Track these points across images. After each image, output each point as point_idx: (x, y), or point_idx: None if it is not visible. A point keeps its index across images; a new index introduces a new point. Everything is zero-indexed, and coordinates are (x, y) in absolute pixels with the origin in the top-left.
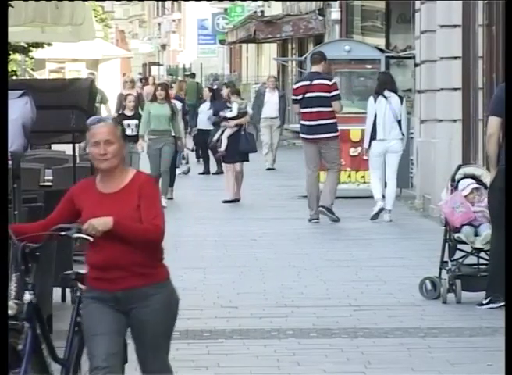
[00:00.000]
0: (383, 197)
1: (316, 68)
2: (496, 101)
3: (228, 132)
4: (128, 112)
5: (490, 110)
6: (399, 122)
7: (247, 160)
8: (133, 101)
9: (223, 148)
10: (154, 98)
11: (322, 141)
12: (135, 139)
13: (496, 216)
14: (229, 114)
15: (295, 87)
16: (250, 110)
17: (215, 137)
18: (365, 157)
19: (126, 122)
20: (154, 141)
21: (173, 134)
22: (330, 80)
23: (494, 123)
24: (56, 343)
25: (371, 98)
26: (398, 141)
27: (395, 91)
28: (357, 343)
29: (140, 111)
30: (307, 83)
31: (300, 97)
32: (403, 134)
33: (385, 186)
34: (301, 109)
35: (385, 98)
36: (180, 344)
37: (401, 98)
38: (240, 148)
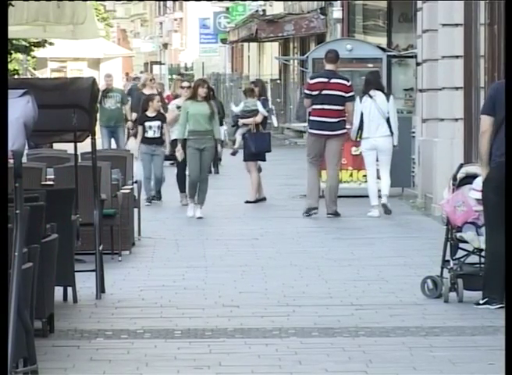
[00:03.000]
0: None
1: (331, 66)
2: (488, 100)
3: (240, 130)
4: (150, 113)
5: (482, 109)
6: (388, 119)
7: (263, 160)
8: (159, 101)
9: (237, 145)
10: (192, 96)
11: (331, 137)
12: (157, 141)
13: (492, 216)
14: (234, 108)
15: (311, 82)
16: (261, 109)
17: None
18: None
19: (147, 123)
20: (194, 141)
21: (215, 137)
22: (348, 80)
23: (486, 121)
24: (57, 342)
25: (358, 98)
26: (386, 138)
27: (381, 89)
28: (358, 342)
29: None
30: (325, 80)
31: (315, 93)
32: (391, 132)
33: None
34: (314, 105)
35: (371, 97)
36: (182, 343)
37: (388, 95)
38: (254, 148)
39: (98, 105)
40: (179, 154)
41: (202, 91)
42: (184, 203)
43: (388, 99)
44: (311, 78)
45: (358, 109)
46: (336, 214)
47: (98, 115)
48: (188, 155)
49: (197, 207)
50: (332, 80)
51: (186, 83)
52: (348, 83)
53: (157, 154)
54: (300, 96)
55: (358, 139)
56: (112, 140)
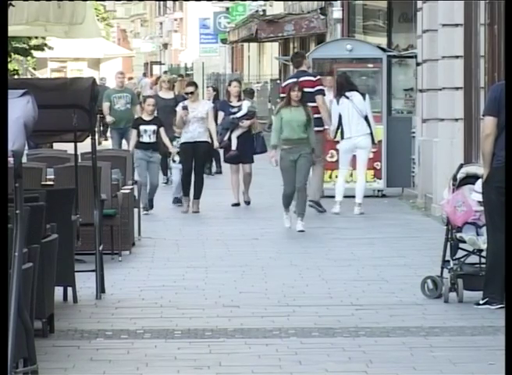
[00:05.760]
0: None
1: (301, 68)
2: (491, 102)
3: (237, 132)
4: (146, 117)
5: (485, 110)
6: (366, 118)
7: (253, 161)
8: (153, 104)
9: (234, 148)
10: (287, 103)
11: None
12: (153, 146)
13: (493, 216)
14: (239, 114)
15: (283, 85)
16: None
17: (226, 138)
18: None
19: (142, 127)
20: (288, 151)
21: (310, 145)
22: (315, 76)
23: (490, 123)
24: (57, 342)
25: (334, 101)
26: (365, 137)
27: (355, 89)
28: (358, 342)
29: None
30: (294, 80)
31: (287, 94)
32: (371, 130)
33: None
34: None
35: (347, 98)
36: (182, 343)
37: (363, 95)
38: (256, 149)
39: (108, 104)
40: (273, 160)
41: (294, 95)
42: (185, 210)
43: (364, 98)
44: (284, 81)
45: (336, 111)
46: (318, 205)
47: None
48: (282, 167)
49: (298, 219)
50: (301, 79)
51: (190, 89)
52: (314, 79)
53: (153, 161)
54: None
55: (338, 139)
56: (123, 141)
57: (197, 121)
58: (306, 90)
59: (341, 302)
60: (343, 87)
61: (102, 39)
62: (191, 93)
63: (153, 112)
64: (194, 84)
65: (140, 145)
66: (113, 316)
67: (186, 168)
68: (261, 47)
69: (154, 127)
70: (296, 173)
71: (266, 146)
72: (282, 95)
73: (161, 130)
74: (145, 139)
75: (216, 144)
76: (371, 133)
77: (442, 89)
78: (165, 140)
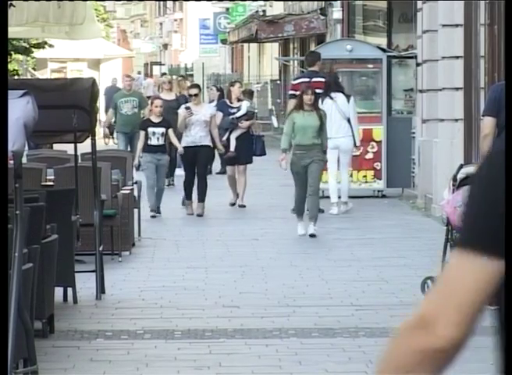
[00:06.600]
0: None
1: (312, 68)
2: (491, 102)
3: (236, 133)
4: (154, 119)
5: (484, 110)
6: (349, 120)
7: (251, 162)
8: (160, 105)
9: (232, 148)
10: (299, 106)
11: None
12: (162, 149)
13: None
14: (238, 114)
15: (294, 82)
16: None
17: (224, 138)
18: None
19: (150, 129)
20: (299, 156)
21: (322, 149)
22: (324, 78)
23: (489, 123)
24: (57, 342)
25: (320, 100)
26: (347, 138)
27: (341, 91)
28: (358, 342)
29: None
30: (307, 80)
31: (299, 92)
32: (353, 132)
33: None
34: None
35: (331, 98)
36: (182, 343)
37: (348, 97)
38: (255, 151)
39: (113, 110)
40: (283, 163)
41: (308, 99)
42: (189, 212)
43: (348, 100)
44: (295, 79)
45: None
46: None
47: (115, 120)
48: (293, 172)
49: (310, 223)
50: (314, 79)
51: (194, 91)
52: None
53: (162, 164)
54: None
55: None
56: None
57: (200, 124)
58: (319, 91)
59: (341, 303)
60: (330, 87)
61: (102, 39)
62: (195, 95)
63: (161, 114)
64: (198, 87)
65: (148, 148)
66: (113, 317)
67: (188, 175)
68: (261, 47)
69: (162, 130)
70: (308, 177)
71: (265, 150)
72: (291, 92)
73: (170, 130)
74: (153, 142)
75: (221, 147)
76: (353, 136)
77: (442, 89)
78: (174, 140)
